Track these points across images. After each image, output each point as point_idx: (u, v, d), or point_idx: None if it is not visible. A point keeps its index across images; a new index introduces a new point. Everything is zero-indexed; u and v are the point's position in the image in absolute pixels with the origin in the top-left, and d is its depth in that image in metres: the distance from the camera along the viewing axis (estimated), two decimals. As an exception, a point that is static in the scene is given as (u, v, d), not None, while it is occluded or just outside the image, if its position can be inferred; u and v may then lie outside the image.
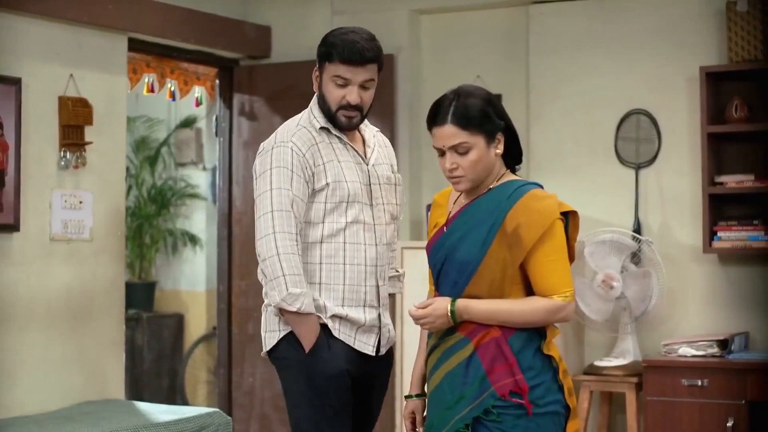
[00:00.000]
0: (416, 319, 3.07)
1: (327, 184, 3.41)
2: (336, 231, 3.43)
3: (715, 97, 5.56)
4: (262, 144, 3.53)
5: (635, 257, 5.62)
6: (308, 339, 3.39)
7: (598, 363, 5.60)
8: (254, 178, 3.48)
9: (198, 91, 6.83)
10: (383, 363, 3.58)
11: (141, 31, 5.81)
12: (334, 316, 3.43)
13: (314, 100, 3.55)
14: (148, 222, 8.58)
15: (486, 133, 3.04)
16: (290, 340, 3.43)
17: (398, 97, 6.29)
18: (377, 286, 3.49)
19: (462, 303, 3.02)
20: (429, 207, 6.09)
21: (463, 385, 2.99)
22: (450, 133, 3.03)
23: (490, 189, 3.08)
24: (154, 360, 8.24)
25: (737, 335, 5.40)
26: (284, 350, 3.45)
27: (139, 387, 8.01)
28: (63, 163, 5.30)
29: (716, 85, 5.56)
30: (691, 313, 5.68)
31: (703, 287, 5.66)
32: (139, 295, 8.33)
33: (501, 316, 2.99)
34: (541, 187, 3.10)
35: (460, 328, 3.03)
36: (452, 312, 3.01)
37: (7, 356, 5.07)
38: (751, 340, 5.52)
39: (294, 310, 3.34)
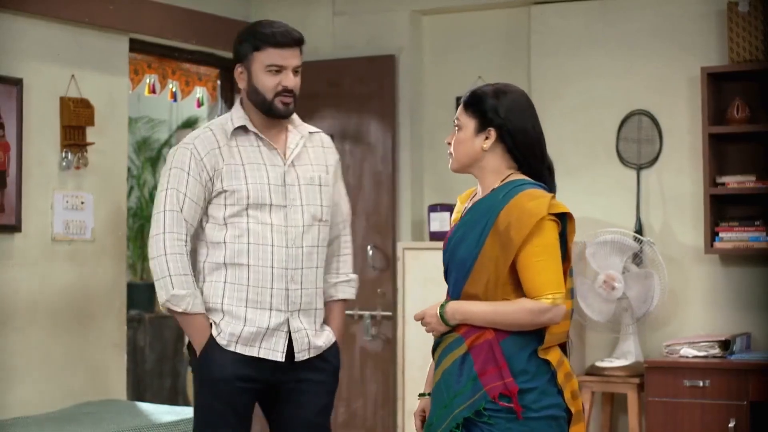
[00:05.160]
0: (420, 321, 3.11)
1: (224, 188, 3.40)
2: (240, 232, 3.40)
3: (717, 98, 5.55)
4: None
5: (637, 258, 5.61)
6: (197, 339, 3.39)
7: (599, 364, 5.59)
8: None
9: (199, 91, 6.82)
10: (313, 368, 3.48)
11: (142, 32, 5.81)
12: (231, 334, 3.38)
13: (237, 101, 3.53)
14: (150, 223, 8.56)
15: (478, 120, 3.06)
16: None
17: (399, 97, 6.29)
18: (286, 290, 3.41)
19: (452, 305, 3.02)
20: (430, 208, 6.12)
21: (457, 384, 2.97)
22: (458, 111, 3.11)
23: (493, 190, 3.07)
24: (155, 360, 8.23)
25: (739, 336, 5.40)
26: (190, 350, 3.46)
27: (140, 387, 8.00)
28: (64, 163, 5.31)
29: (717, 85, 5.56)
30: (692, 314, 5.67)
31: (704, 288, 5.65)
32: (141, 295, 8.32)
33: (489, 317, 2.97)
34: (543, 188, 3.07)
35: (456, 328, 3.02)
36: (441, 314, 3.02)
37: (8, 356, 5.08)
38: (753, 340, 5.52)
39: (180, 310, 3.36)
